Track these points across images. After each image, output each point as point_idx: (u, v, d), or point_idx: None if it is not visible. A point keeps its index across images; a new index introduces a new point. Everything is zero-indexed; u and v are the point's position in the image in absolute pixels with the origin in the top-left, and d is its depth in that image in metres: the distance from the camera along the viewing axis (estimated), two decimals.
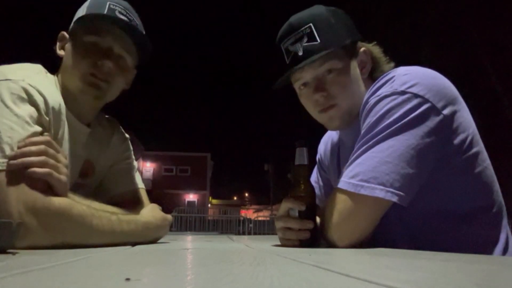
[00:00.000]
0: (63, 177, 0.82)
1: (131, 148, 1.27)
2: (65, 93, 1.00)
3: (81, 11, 1.02)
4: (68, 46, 1.03)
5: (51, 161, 0.81)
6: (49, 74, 1.02)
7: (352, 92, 1.00)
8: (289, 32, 1.01)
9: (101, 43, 0.99)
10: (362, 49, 1.04)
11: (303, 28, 0.98)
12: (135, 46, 1.05)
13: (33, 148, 0.79)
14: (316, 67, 0.99)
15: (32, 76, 0.90)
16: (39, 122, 0.86)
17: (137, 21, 1.05)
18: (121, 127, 1.27)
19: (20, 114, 0.82)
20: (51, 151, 0.81)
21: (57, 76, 1.04)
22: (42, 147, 0.80)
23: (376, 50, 1.06)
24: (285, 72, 1.01)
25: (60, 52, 1.04)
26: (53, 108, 0.91)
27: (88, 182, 1.11)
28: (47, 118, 0.89)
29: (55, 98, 0.93)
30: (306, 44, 0.98)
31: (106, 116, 1.23)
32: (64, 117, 0.97)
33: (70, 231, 0.79)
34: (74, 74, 0.98)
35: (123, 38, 1.01)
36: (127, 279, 0.35)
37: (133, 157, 1.26)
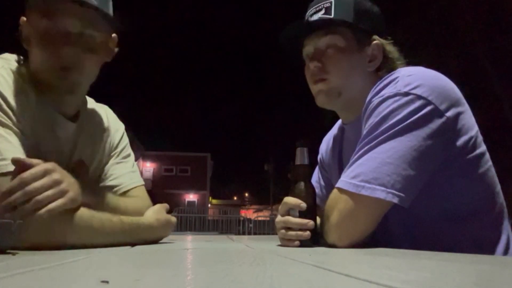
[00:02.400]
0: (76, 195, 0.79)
1: (127, 139, 1.17)
2: (41, 86, 0.91)
3: None
4: (30, 36, 0.90)
5: (62, 187, 0.75)
6: (20, 66, 0.91)
7: (347, 75, 1.01)
8: (314, 4, 1.06)
9: (58, 26, 0.86)
10: (375, 42, 1.03)
11: (325, 2, 1.03)
12: (100, 13, 0.91)
13: (38, 183, 0.72)
14: (319, 38, 1.02)
15: None
16: (15, 126, 0.82)
17: None
18: (114, 114, 1.17)
19: None
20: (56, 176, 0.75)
21: (27, 66, 0.92)
22: (45, 180, 0.73)
23: (390, 48, 1.05)
24: (291, 26, 1.05)
25: (24, 45, 0.92)
26: (18, 109, 0.84)
27: (82, 183, 1.04)
28: (18, 122, 0.83)
29: (22, 97, 0.86)
30: (321, 15, 1.02)
31: (95, 103, 1.12)
32: (38, 114, 0.89)
33: (71, 233, 0.79)
34: (40, 69, 0.89)
35: (80, 13, 0.87)
36: (104, 282, 0.33)
37: (130, 150, 1.17)
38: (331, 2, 1.01)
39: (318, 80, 1.03)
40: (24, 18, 0.93)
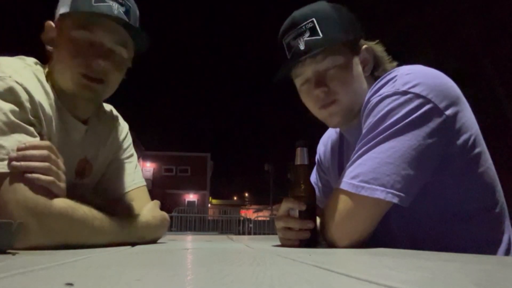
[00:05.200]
0: (63, 185, 0.81)
1: (130, 138, 1.20)
2: (59, 89, 0.95)
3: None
4: (56, 40, 0.95)
5: (54, 168, 0.80)
6: (39, 68, 0.95)
7: (354, 88, 0.99)
8: (291, 27, 1.00)
9: (92, 38, 0.92)
10: (364, 46, 1.03)
11: (306, 22, 0.98)
12: (130, 35, 0.97)
13: (36, 152, 0.78)
14: (317, 62, 0.98)
15: (19, 72, 0.86)
16: (28, 122, 0.83)
17: (130, 4, 0.97)
18: (120, 117, 1.20)
19: (10, 115, 0.80)
20: (53, 157, 0.80)
21: (48, 69, 0.97)
22: (45, 152, 0.79)
23: (378, 48, 1.06)
24: (286, 66, 1.01)
25: (48, 47, 0.98)
26: (41, 106, 0.86)
27: (85, 182, 1.06)
28: (35, 118, 0.85)
29: (44, 96, 0.89)
30: (308, 38, 0.97)
31: (106, 106, 1.15)
32: (55, 115, 0.92)
33: (72, 233, 0.79)
34: (65, 74, 0.93)
35: (116, 30, 0.94)
36: (69, 284, 0.32)
37: (133, 150, 1.20)
38: (313, 21, 0.97)
39: (327, 104, 1.00)
40: (51, 23, 0.97)
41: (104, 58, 0.92)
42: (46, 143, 0.82)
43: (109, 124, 1.13)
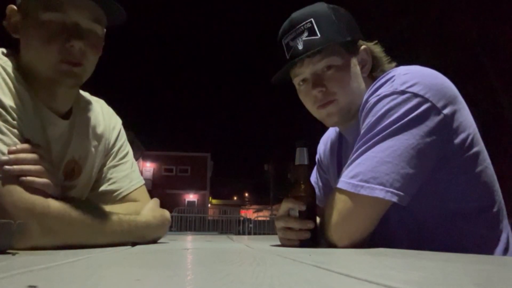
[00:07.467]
0: (57, 187, 0.81)
1: (124, 135, 1.13)
2: (32, 80, 0.87)
3: None
4: (23, 26, 0.87)
5: (45, 170, 0.79)
6: (7, 60, 0.86)
7: (352, 89, 1.00)
8: (290, 27, 1.01)
9: (65, 19, 0.84)
10: (362, 47, 1.04)
11: (304, 23, 0.99)
12: (102, 9, 0.89)
13: (29, 155, 0.77)
14: (315, 62, 0.99)
15: None
16: (11, 124, 0.80)
17: None
18: (110, 109, 1.12)
19: None
20: (43, 159, 0.79)
21: (18, 59, 0.88)
22: (35, 155, 0.78)
23: (377, 49, 1.06)
24: (285, 66, 1.01)
25: (15, 34, 0.89)
26: (12, 106, 0.80)
27: (76, 184, 1.00)
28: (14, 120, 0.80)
29: (14, 93, 0.82)
30: (306, 38, 0.98)
31: (90, 96, 1.07)
32: (28, 112, 0.85)
33: (71, 233, 0.79)
34: (41, 63, 0.85)
35: (88, 6, 0.86)
36: (32, 286, 0.31)
37: (128, 146, 1.13)
38: (311, 22, 0.98)
39: (325, 103, 1.00)
40: (13, 7, 0.89)
41: (80, 39, 0.85)
42: (36, 145, 0.80)
43: (98, 122, 1.06)
